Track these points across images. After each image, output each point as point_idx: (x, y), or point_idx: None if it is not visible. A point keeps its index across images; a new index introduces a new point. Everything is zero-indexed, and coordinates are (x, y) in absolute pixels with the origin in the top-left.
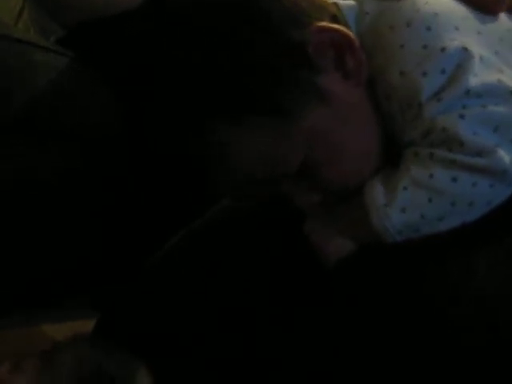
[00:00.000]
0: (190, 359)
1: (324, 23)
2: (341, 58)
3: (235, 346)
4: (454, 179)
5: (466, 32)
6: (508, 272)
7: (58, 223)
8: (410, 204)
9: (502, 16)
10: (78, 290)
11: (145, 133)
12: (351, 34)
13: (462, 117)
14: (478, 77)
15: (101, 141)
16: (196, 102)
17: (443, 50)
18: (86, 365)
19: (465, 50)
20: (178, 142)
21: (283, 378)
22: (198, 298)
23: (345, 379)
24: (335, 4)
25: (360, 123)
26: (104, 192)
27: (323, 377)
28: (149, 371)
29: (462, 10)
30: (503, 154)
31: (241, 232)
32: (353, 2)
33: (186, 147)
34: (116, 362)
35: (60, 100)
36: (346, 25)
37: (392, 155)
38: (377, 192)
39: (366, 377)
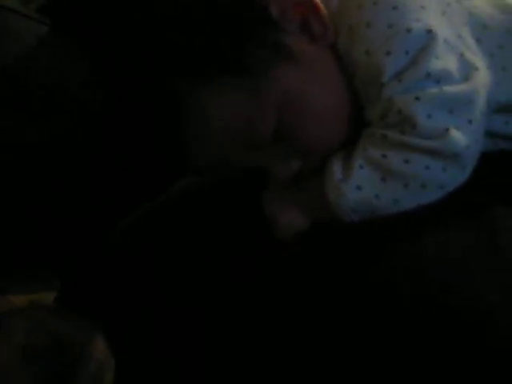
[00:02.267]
0: (148, 328)
1: None
2: (306, 21)
3: (192, 312)
4: (407, 161)
5: (432, 12)
6: (455, 255)
7: (24, 186)
8: (365, 182)
9: None
10: (42, 259)
11: (116, 97)
12: None
13: (417, 99)
14: (440, 60)
15: (76, 110)
16: (168, 62)
17: (409, 30)
18: (42, 329)
19: (429, 32)
20: (151, 110)
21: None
22: (157, 269)
23: (291, 350)
24: None
25: (330, 86)
26: (72, 162)
27: (271, 345)
28: (107, 339)
29: None
30: (457, 137)
31: (201, 205)
32: None
33: (159, 115)
34: (73, 328)
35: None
36: None
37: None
38: (335, 167)
39: (312, 348)
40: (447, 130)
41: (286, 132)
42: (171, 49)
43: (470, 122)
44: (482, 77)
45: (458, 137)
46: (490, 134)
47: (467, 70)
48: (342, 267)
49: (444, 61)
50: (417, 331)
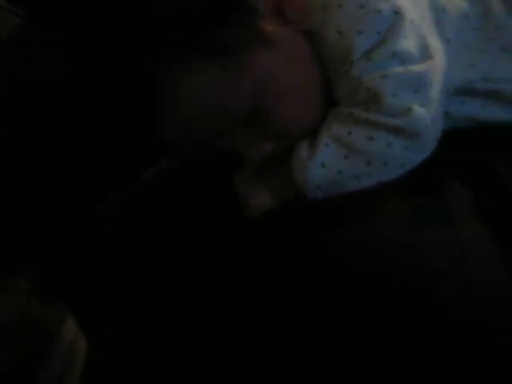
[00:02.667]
0: (121, 313)
1: None
2: (280, 5)
3: (164, 298)
4: (370, 138)
5: None
6: (407, 230)
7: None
8: (330, 159)
9: None
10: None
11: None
12: None
13: (384, 77)
14: (406, 40)
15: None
16: (144, 44)
17: (379, 11)
18: (15, 311)
19: (397, 12)
20: (127, 92)
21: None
22: (133, 255)
23: (255, 324)
24: None
25: (303, 68)
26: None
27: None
28: (78, 322)
29: None
30: (420, 116)
31: (176, 189)
32: None
33: (135, 97)
34: (45, 311)
35: None
36: None
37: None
38: (302, 146)
39: (275, 322)
40: (410, 108)
41: (260, 114)
42: (147, 30)
43: (431, 101)
44: (441, 59)
45: (421, 116)
46: (448, 115)
47: (429, 51)
48: (299, 245)
49: (410, 41)
50: (370, 304)
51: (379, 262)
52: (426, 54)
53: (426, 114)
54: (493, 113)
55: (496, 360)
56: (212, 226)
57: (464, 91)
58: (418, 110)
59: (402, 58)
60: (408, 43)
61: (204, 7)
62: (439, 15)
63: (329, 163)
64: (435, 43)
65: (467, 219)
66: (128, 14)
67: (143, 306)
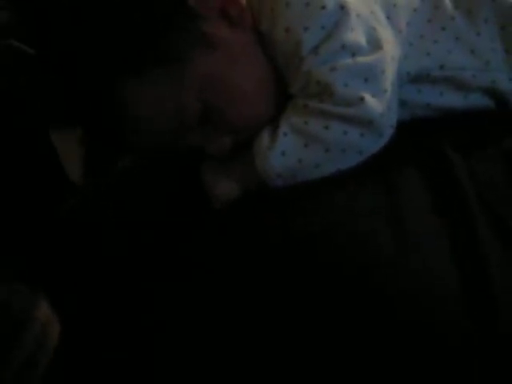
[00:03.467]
0: (91, 295)
1: None
2: (224, 6)
3: (133, 281)
4: (326, 127)
5: None
6: (363, 220)
7: None
8: (289, 148)
9: None
10: None
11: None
12: None
13: (333, 69)
14: (354, 33)
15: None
16: (91, 57)
17: (323, 7)
18: None
19: (342, 7)
20: (78, 99)
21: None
22: (101, 241)
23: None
24: None
25: (251, 67)
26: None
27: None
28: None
29: None
30: (372, 105)
31: (143, 180)
32: None
33: (86, 106)
34: (17, 294)
35: None
36: None
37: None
38: (263, 136)
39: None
40: (362, 98)
41: (213, 114)
42: (100, 45)
43: (383, 90)
44: (391, 49)
45: (373, 104)
46: (405, 104)
47: (378, 42)
48: (258, 229)
49: (357, 34)
50: (322, 292)
51: (328, 250)
52: (375, 45)
53: (378, 102)
54: (450, 100)
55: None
56: (178, 216)
57: (421, 79)
58: (370, 99)
59: (352, 51)
60: (356, 35)
61: (143, 16)
62: (390, 10)
63: (289, 152)
64: (385, 34)
65: (419, 207)
66: (79, 29)
67: (114, 291)
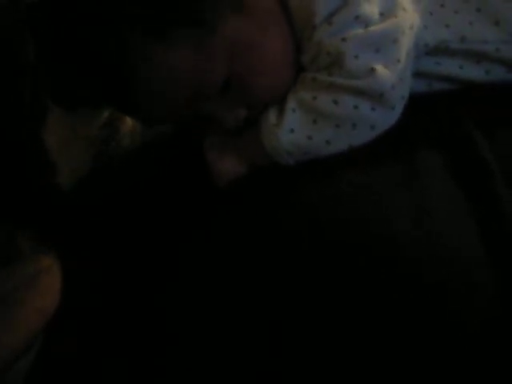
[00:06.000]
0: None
1: None
2: None
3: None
4: (336, 101)
5: None
6: (407, 194)
7: None
8: (298, 125)
9: None
10: None
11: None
12: None
13: (344, 40)
14: (369, 3)
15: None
16: (117, 16)
17: None
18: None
19: None
20: (100, 59)
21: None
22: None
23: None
24: None
25: (278, 36)
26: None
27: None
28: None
29: None
30: (383, 76)
31: (147, 158)
32: None
33: (110, 66)
34: (26, 238)
35: None
36: None
37: None
38: (270, 113)
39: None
40: (373, 69)
41: (236, 81)
42: (124, 5)
43: (395, 60)
44: (409, 18)
45: (384, 76)
46: (422, 75)
47: (393, 10)
48: (267, 208)
49: (373, 3)
50: (335, 265)
51: (335, 224)
52: (388, 13)
53: (390, 73)
54: (470, 73)
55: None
56: (182, 194)
57: (440, 51)
58: (381, 70)
59: (365, 21)
60: (371, 6)
61: None
62: None
63: (297, 129)
64: (403, 2)
65: (437, 182)
66: None
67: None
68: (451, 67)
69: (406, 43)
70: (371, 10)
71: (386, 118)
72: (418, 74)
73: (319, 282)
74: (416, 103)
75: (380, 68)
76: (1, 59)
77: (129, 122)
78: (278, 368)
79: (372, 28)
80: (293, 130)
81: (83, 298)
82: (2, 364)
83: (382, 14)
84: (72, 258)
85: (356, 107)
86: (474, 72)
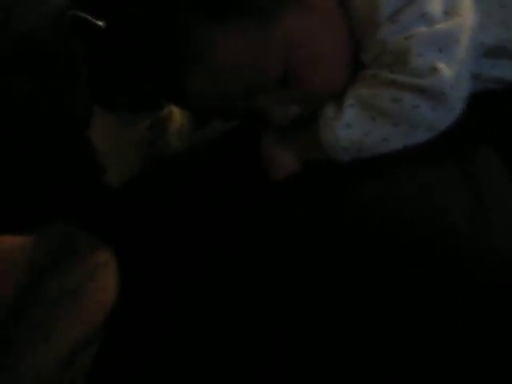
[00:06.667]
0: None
1: None
2: None
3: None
4: (395, 100)
5: None
6: (465, 196)
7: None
8: (355, 121)
9: None
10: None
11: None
12: None
13: (409, 38)
14: (434, 1)
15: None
16: (178, 2)
17: None
18: (56, 227)
19: None
20: (159, 49)
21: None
22: (169, 208)
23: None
24: None
25: (335, 31)
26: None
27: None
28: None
29: None
30: (445, 76)
31: (204, 155)
32: None
33: (167, 51)
34: (83, 233)
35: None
36: None
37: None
38: (328, 108)
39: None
40: (436, 68)
41: (292, 75)
42: None
43: (458, 60)
44: (469, 18)
45: (447, 75)
46: (478, 77)
47: (457, 9)
48: (326, 203)
49: (437, 2)
50: (393, 258)
51: (400, 226)
52: (453, 12)
53: (452, 73)
54: None
55: None
56: (235, 187)
57: (496, 52)
58: (444, 70)
59: (430, 20)
60: (435, 4)
61: None
62: None
63: (354, 124)
64: (465, 1)
65: (495, 184)
66: None
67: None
68: (508, 69)
69: (467, 43)
70: (436, 7)
71: (444, 119)
72: (474, 76)
73: (385, 275)
74: (473, 103)
75: (443, 67)
76: (54, 67)
77: (176, 122)
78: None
79: (437, 26)
80: (350, 126)
81: (137, 292)
82: (63, 357)
83: (446, 13)
84: (126, 253)
85: (416, 107)
86: None
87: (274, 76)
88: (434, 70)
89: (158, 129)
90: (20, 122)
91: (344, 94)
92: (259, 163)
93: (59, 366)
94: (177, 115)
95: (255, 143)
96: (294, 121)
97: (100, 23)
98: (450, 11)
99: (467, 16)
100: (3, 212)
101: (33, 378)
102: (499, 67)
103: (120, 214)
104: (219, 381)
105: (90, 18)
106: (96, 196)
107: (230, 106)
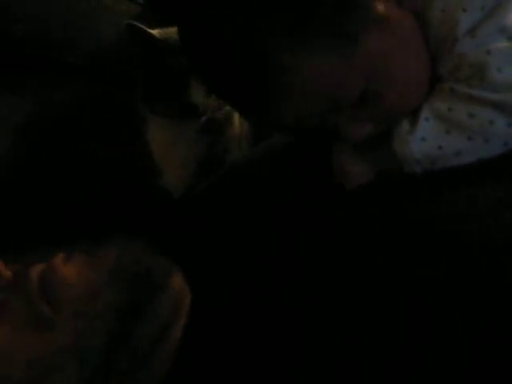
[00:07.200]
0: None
1: None
2: None
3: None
4: (471, 115)
5: None
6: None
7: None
8: (430, 134)
9: None
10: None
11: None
12: None
13: (488, 53)
14: None
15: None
16: (262, 24)
17: None
18: (127, 258)
19: None
20: (242, 68)
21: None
22: (237, 221)
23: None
24: None
25: (415, 50)
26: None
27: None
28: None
29: None
30: None
31: (276, 164)
32: None
33: (250, 73)
34: (156, 262)
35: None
36: None
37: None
38: (404, 121)
39: (371, 285)
40: None
41: (372, 94)
42: (270, 11)
43: None
44: None
45: None
46: None
47: None
48: (411, 215)
49: None
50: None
51: (479, 240)
52: None
53: None
54: None
55: None
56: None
57: None
58: None
59: (510, 33)
60: None
61: None
62: None
63: (429, 138)
64: None
65: None
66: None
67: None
68: None
69: None
70: None
71: None
72: None
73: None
74: None
75: None
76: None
77: (236, 127)
78: None
79: None
80: (424, 139)
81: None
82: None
83: None
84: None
85: (492, 122)
86: None
87: (354, 96)
88: None
89: (213, 132)
90: (84, 125)
91: (419, 107)
92: (331, 173)
93: None
94: (236, 120)
95: (323, 154)
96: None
97: (154, 32)
98: None
99: None
100: (58, 223)
101: None
102: None
103: (187, 228)
104: None
105: (144, 27)
106: (156, 204)
107: (308, 124)
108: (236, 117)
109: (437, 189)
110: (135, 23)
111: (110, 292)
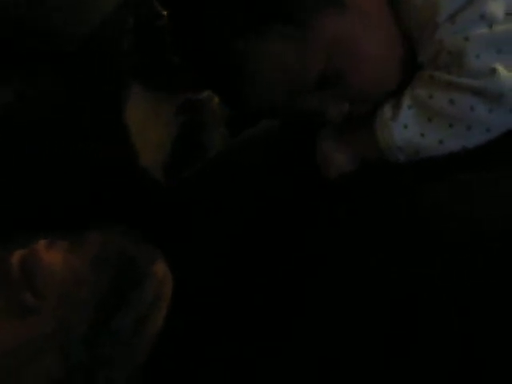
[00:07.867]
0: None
1: None
2: None
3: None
4: (452, 101)
5: None
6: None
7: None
8: (412, 121)
9: None
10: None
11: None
12: None
13: (467, 39)
14: (496, 2)
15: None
16: (218, 11)
17: None
18: (111, 245)
19: None
20: (209, 53)
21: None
22: (223, 208)
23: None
24: None
25: (380, 30)
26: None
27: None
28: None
29: None
30: (504, 77)
31: (262, 153)
32: None
33: (216, 59)
34: (139, 247)
35: None
36: None
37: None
38: (385, 108)
39: (357, 280)
40: (494, 69)
41: (334, 77)
42: (225, 7)
43: None
44: None
45: (505, 77)
46: None
47: None
48: (395, 203)
49: (499, 3)
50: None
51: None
52: None
53: (511, 75)
54: None
55: None
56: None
57: None
58: (502, 71)
59: (490, 20)
60: (497, 5)
61: None
62: None
63: (411, 125)
64: None
65: None
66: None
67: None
68: None
69: None
70: (497, 8)
71: (503, 121)
72: None
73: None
74: None
75: (501, 69)
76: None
77: (215, 109)
78: None
79: (497, 28)
80: (406, 126)
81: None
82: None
83: (508, 14)
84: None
85: (472, 108)
86: None
87: (313, 78)
88: (492, 71)
89: (190, 112)
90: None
91: (402, 94)
92: (313, 162)
93: None
94: (215, 103)
95: (308, 141)
96: (350, 119)
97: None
98: (509, 10)
99: None
100: (40, 213)
101: None
102: None
103: (173, 215)
104: None
105: None
106: (142, 188)
107: (281, 107)
108: (216, 100)
109: (424, 180)
110: None
111: (94, 279)
